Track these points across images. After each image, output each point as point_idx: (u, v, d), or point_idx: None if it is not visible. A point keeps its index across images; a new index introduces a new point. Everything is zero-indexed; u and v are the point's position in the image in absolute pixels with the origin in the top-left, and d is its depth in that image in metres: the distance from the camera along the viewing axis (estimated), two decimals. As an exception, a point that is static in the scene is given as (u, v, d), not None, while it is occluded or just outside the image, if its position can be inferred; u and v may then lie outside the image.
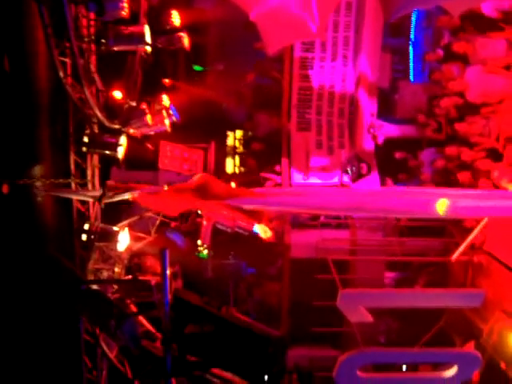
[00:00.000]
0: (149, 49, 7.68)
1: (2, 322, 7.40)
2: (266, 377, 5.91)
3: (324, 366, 8.86)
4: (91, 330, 7.80)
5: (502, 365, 7.67)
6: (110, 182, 7.31)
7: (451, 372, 6.58)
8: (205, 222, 8.77)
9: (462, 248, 8.86)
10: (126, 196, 7.12)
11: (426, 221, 10.06)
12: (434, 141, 10.40)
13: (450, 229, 9.77)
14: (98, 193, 7.37)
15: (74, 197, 7.75)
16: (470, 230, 9.00)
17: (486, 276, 8.58)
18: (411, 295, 8.53)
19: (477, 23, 9.69)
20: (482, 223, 8.70)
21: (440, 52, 10.32)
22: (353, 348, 7.74)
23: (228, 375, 6.75)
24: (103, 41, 7.20)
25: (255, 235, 9.07)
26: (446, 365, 6.70)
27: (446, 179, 9.95)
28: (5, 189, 6.85)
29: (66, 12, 6.37)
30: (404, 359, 7.66)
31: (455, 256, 8.93)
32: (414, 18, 10.79)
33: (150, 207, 7.65)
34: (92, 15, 7.19)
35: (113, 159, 7.85)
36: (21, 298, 7.41)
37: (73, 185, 7.82)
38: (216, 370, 6.82)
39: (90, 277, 7.98)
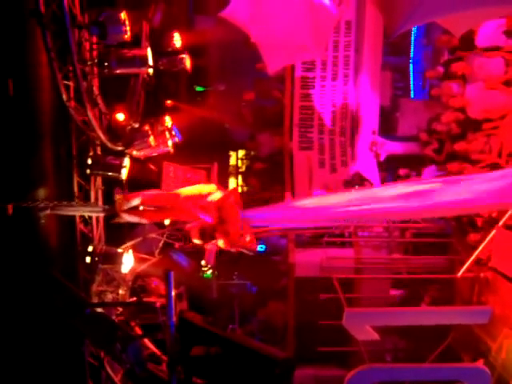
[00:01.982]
0: (151, 71, 7.74)
1: (6, 346, 7.35)
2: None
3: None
4: (96, 353, 7.73)
5: (512, 383, 7.59)
6: (117, 196, 7.33)
7: (461, 391, 6.51)
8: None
9: (467, 264, 8.81)
10: (137, 202, 7.13)
11: (430, 237, 10.03)
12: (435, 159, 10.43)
13: (455, 245, 9.73)
14: (107, 207, 7.41)
15: (83, 213, 7.75)
16: (475, 246, 8.96)
17: (493, 292, 8.51)
18: (417, 313, 8.48)
19: (473, 42, 9.77)
20: (488, 238, 8.67)
21: (440, 69, 10.38)
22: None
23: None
24: (106, 64, 7.26)
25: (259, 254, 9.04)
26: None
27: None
28: (9, 210, 6.85)
29: (69, 36, 6.43)
30: (412, 376, 7.57)
31: (461, 273, 8.88)
32: (413, 36, 10.89)
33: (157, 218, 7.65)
34: (95, 39, 7.26)
35: (116, 181, 7.86)
36: (24, 320, 7.37)
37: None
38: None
39: (94, 299, 7.94)
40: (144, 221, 7.40)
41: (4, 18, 6.79)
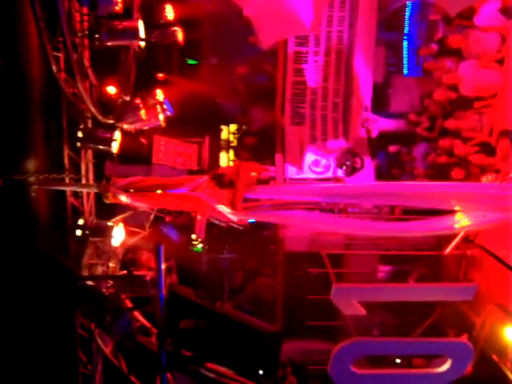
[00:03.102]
0: (142, 43, 7.66)
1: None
2: (260, 371, 5.94)
3: (318, 359, 8.92)
4: (86, 325, 7.82)
5: (494, 357, 7.76)
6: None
7: (446, 366, 6.65)
8: (199, 216, 8.77)
9: (455, 242, 8.91)
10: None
11: (419, 215, 10.10)
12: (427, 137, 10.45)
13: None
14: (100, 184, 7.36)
15: (78, 189, 7.74)
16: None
17: (479, 269, 8.64)
18: (404, 289, 8.57)
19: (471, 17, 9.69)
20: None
21: (434, 46, 10.33)
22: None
23: (223, 369, 6.79)
24: (97, 36, 7.18)
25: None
26: (440, 359, 6.75)
27: (439, 174, 9.99)
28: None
29: (59, 6, 6.35)
30: (397, 350, 7.70)
31: (449, 250, 8.98)
32: (407, 12, 10.79)
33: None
34: (85, 10, 7.16)
35: (107, 154, 7.85)
36: (15, 293, 7.42)
37: (67, 180, 7.81)
38: (211, 365, 6.85)
39: (85, 272, 7.99)
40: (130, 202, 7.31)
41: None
